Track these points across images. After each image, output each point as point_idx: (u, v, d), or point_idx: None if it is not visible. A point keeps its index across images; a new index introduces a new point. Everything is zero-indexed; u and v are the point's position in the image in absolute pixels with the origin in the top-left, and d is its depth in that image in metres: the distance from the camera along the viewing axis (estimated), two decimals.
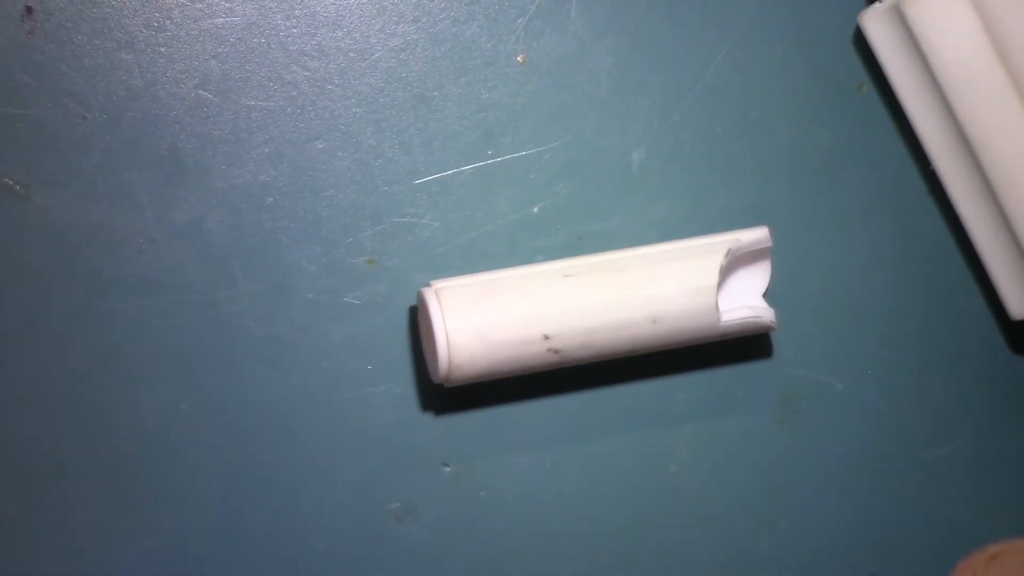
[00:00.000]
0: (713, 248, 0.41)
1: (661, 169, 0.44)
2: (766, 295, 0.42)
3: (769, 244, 0.42)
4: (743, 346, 0.44)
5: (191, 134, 0.40)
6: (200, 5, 0.40)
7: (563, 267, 0.39)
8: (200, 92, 0.40)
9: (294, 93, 0.40)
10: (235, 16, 0.40)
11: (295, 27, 0.40)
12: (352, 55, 0.40)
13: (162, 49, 0.39)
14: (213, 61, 0.40)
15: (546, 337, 0.38)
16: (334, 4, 0.40)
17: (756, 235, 0.42)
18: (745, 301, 0.42)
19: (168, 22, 0.39)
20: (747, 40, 0.44)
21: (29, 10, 0.39)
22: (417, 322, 0.41)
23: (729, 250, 0.41)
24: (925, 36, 0.42)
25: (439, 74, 0.41)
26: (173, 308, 0.40)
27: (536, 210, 0.42)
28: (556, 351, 0.38)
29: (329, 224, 0.41)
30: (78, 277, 0.40)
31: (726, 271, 0.41)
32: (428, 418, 0.42)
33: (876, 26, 0.44)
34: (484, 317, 0.38)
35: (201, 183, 0.40)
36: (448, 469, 0.42)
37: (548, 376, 0.42)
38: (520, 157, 0.42)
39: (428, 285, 0.39)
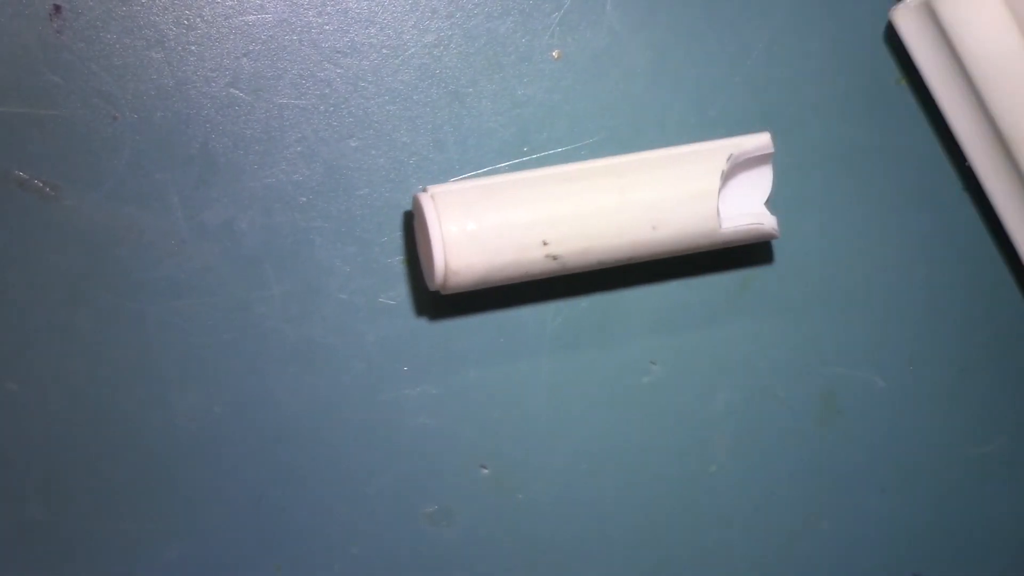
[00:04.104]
0: (714, 153, 0.40)
1: None
2: (768, 203, 0.41)
3: (771, 150, 0.41)
4: (780, 339, 0.44)
5: (222, 133, 0.39)
6: (231, 2, 0.39)
7: (562, 172, 0.38)
8: (231, 91, 0.39)
9: (327, 91, 0.40)
10: (266, 13, 0.39)
11: (327, 24, 0.40)
12: (385, 52, 0.40)
13: (193, 47, 0.39)
14: (244, 59, 0.39)
15: (545, 243, 0.37)
16: (367, 0, 0.40)
17: (758, 141, 0.40)
18: (747, 211, 0.41)
19: (199, 20, 0.39)
20: (782, 35, 0.44)
21: (57, 9, 0.38)
22: (414, 231, 0.40)
23: (731, 155, 0.39)
24: (955, 32, 0.42)
25: (473, 70, 0.40)
26: (204, 310, 0.40)
27: None
28: (555, 257, 0.38)
29: (363, 223, 0.40)
30: (108, 279, 0.39)
31: (728, 178, 0.40)
32: (465, 420, 0.41)
33: (907, 22, 0.43)
34: (481, 222, 0.37)
35: (233, 183, 0.39)
36: (485, 471, 0.42)
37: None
38: (556, 154, 0.41)
39: (423, 190, 0.38)
